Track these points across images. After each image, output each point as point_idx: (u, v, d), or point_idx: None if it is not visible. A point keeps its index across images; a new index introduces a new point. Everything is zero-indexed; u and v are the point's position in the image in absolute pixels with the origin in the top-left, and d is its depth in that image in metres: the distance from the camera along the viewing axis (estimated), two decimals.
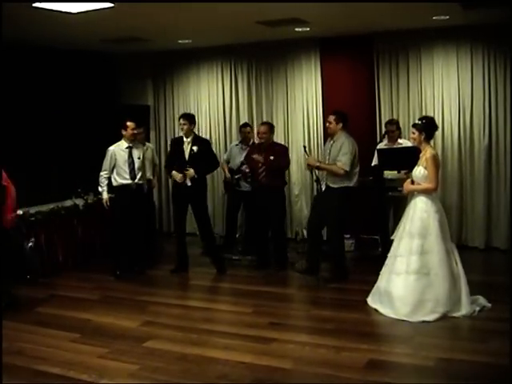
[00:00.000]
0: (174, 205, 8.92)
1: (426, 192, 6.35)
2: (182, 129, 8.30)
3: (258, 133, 8.63)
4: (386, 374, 4.90)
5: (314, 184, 9.06)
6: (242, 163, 8.90)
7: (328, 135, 8.03)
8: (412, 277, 6.22)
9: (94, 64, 10.70)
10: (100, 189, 8.26)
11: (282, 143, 9.39)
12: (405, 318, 6.13)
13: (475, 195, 9.26)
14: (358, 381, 4.80)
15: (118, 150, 8.16)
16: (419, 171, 6.37)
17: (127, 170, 8.16)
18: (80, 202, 8.65)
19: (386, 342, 5.62)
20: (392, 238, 6.63)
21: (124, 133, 8.18)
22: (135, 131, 8.24)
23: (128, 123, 8.14)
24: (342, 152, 7.52)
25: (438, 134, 9.35)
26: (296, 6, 7.31)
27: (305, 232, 10.25)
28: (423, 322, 6.05)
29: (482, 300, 6.42)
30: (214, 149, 10.27)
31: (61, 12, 7.11)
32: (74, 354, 5.49)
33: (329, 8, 7.47)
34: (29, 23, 7.77)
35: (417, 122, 6.63)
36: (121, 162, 8.14)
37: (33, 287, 7.74)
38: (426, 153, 6.35)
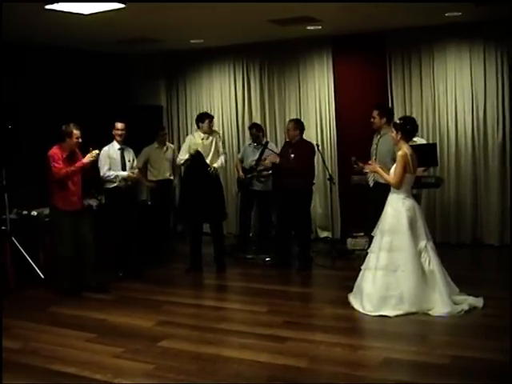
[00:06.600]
0: (191, 200, 8.83)
1: (391, 185, 6.44)
2: (212, 127, 8.68)
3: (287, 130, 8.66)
4: (402, 373, 4.88)
5: (327, 182, 9.09)
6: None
7: (374, 131, 8.01)
8: (379, 273, 6.30)
9: (108, 65, 10.76)
10: (115, 177, 8.11)
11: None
12: (368, 313, 6.23)
13: (490, 192, 9.22)
14: (374, 379, 4.77)
15: (112, 150, 8.16)
16: (394, 167, 6.45)
17: (119, 169, 8.19)
18: (94, 202, 8.65)
19: (401, 340, 5.57)
20: (372, 234, 6.63)
21: (114, 133, 8.21)
22: (119, 132, 8.17)
23: (116, 124, 8.16)
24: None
25: (452, 131, 9.36)
26: (308, 4, 7.32)
27: (319, 231, 10.28)
28: (383, 316, 6.12)
29: (471, 300, 6.35)
30: (226, 148, 10.31)
31: (73, 13, 7.15)
32: (89, 354, 5.50)
33: (341, 6, 7.47)
34: (42, 24, 7.82)
35: (397, 121, 6.70)
36: (115, 160, 8.17)
37: (46, 287, 7.75)
38: (400, 151, 6.38)
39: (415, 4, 7.45)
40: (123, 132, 8.18)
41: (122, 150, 8.24)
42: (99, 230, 8.04)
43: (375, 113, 7.85)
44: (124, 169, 8.21)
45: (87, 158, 7.35)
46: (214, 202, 8.46)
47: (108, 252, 8.27)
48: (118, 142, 8.20)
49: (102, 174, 8.11)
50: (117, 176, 8.11)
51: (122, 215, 8.12)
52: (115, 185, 8.14)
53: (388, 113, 7.96)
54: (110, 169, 8.11)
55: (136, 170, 8.42)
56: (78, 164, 7.30)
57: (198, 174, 8.39)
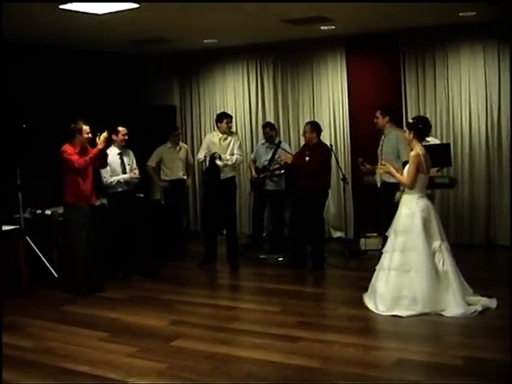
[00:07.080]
0: (208, 200, 8.93)
1: (404, 185, 6.47)
2: (230, 127, 8.84)
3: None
4: (415, 373, 4.86)
5: (341, 183, 9.06)
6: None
7: (379, 132, 8.17)
8: (392, 273, 6.31)
9: (121, 65, 10.77)
10: (117, 183, 8.14)
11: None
12: (381, 313, 6.24)
13: (503, 192, 9.15)
14: (387, 380, 4.76)
15: (111, 155, 8.01)
16: (407, 167, 6.45)
17: (120, 174, 8.18)
18: (107, 201, 8.67)
19: (414, 340, 5.56)
20: (386, 234, 6.64)
21: (115, 138, 8.14)
22: (126, 137, 8.21)
23: (119, 128, 8.14)
24: (402, 145, 7.56)
25: (466, 131, 9.31)
26: (321, 4, 7.30)
27: (332, 231, 10.26)
28: (396, 316, 6.13)
29: (485, 301, 6.33)
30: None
31: (87, 13, 7.17)
32: (103, 353, 5.52)
33: (354, 6, 7.45)
34: (56, 24, 7.83)
35: (409, 120, 6.73)
36: (115, 165, 8.14)
37: (60, 286, 7.78)
38: (413, 151, 6.37)
39: (429, 4, 7.42)
40: (125, 137, 8.21)
41: (120, 154, 8.24)
42: (103, 230, 8.08)
43: (378, 112, 8.05)
44: (124, 172, 8.22)
45: (101, 143, 7.38)
46: (228, 211, 8.64)
47: (109, 252, 8.33)
48: (118, 146, 8.19)
49: (104, 182, 8.12)
50: (119, 181, 8.12)
51: (122, 217, 8.11)
52: (119, 190, 8.16)
53: (390, 112, 8.08)
54: (111, 175, 8.10)
55: (136, 170, 8.36)
56: (95, 151, 7.33)
57: (215, 184, 8.54)
